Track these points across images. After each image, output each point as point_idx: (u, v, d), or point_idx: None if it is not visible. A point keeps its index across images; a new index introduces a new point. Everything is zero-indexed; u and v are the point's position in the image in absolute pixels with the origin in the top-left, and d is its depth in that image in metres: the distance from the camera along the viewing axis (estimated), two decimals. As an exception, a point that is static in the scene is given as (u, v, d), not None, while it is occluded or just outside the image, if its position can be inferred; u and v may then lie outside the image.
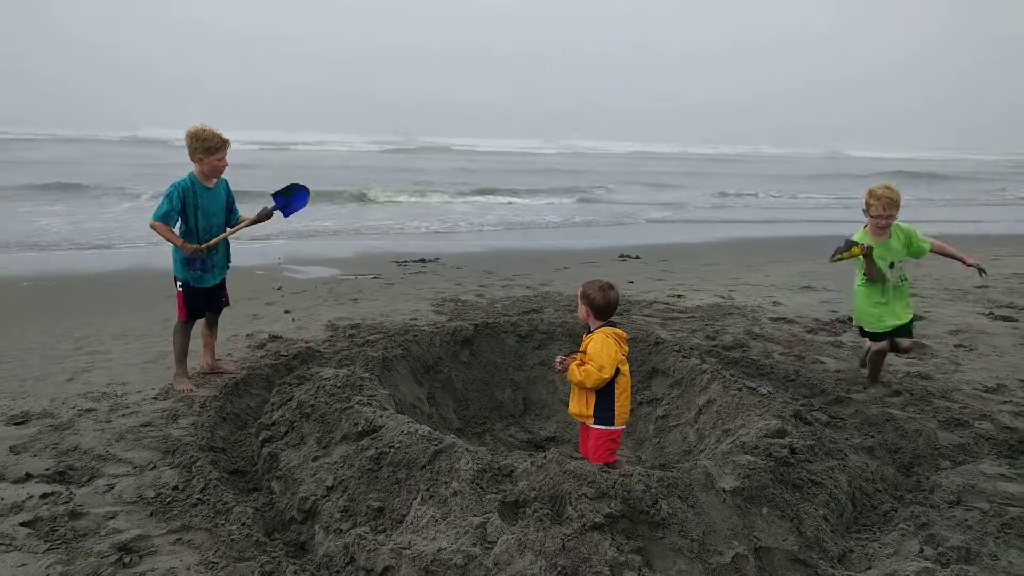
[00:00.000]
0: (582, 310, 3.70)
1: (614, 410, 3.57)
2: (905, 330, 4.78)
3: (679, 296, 8.09)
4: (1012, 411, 4.49)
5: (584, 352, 3.61)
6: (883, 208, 4.58)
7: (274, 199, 4.95)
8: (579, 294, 3.71)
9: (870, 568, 2.85)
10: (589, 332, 3.70)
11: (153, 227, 4.57)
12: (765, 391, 4.13)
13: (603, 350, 3.50)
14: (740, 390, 4.08)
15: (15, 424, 3.97)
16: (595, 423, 3.59)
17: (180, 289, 4.76)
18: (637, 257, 11.88)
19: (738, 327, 6.39)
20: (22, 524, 2.90)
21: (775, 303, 7.70)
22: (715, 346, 5.63)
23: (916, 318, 6.41)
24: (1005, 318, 7.09)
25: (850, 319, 6.82)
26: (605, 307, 3.63)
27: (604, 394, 3.57)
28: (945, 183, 36.66)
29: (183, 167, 4.96)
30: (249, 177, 20.63)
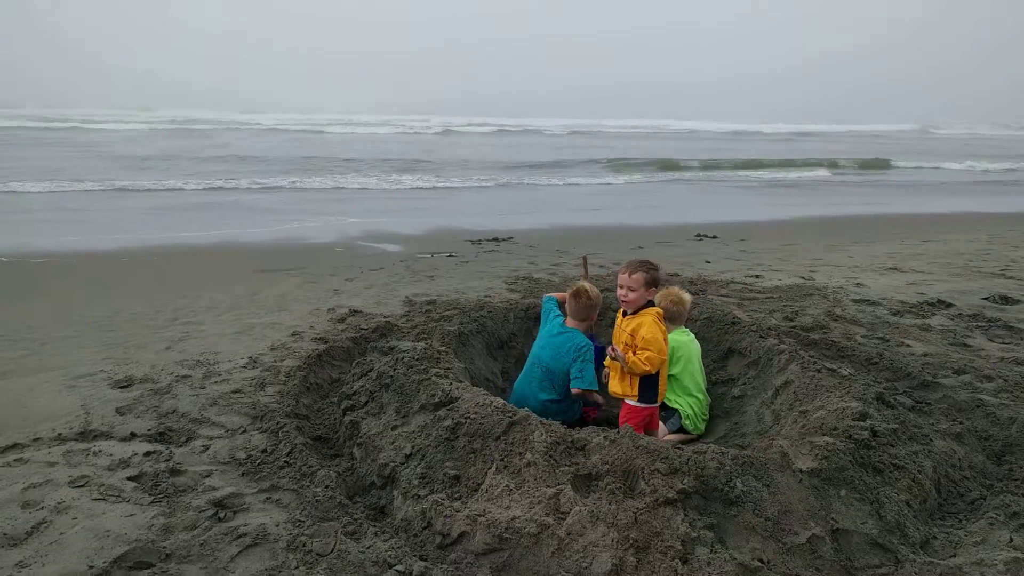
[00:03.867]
0: (642, 295, 3.73)
1: (657, 388, 3.65)
2: None
3: (757, 276, 7.90)
4: (1118, 400, 4.23)
5: (632, 335, 3.67)
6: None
7: None
8: (642, 280, 3.74)
9: (954, 556, 2.77)
10: (627, 315, 3.77)
11: None
12: (846, 373, 4.02)
13: (658, 334, 3.57)
14: (819, 371, 3.99)
15: (120, 388, 4.26)
16: (638, 401, 3.68)
17: None
18: (715, 236, 11.66)
19: (818, 308, 6.21)
20: (129, 478, 3.12)
21: (858, 284, 7.44)
22: (793, 327, 5.49)
23: (1009, 300, 6.11)
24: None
25: (939, 301, 6.55)
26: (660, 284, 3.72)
27: (646, 375, 3.65)
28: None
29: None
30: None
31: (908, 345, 5.22)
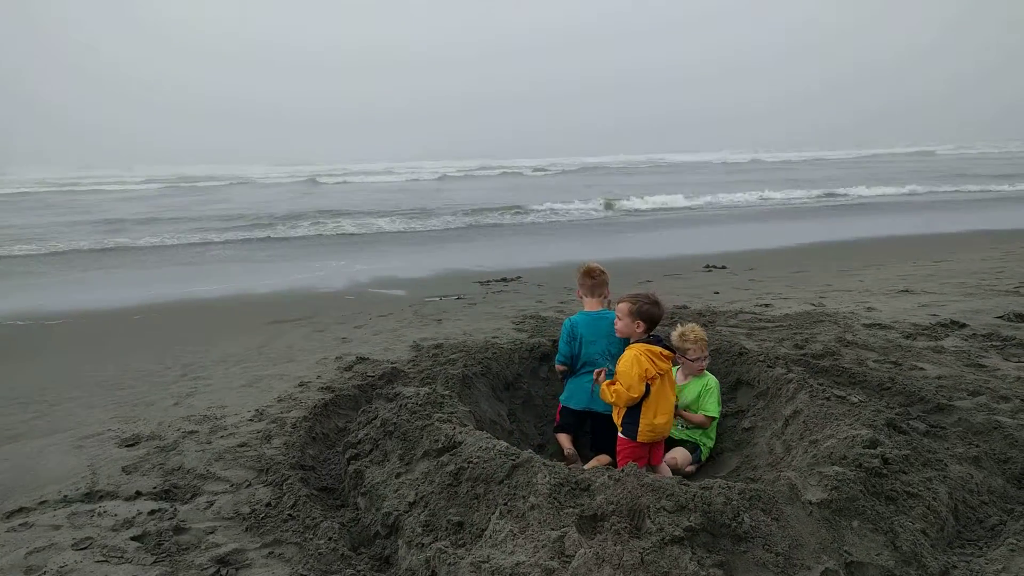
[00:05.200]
0: (628, 325, 3.75)
1: (638, 425, 3.62)
2: None
3: (766, 305, 7.84)
4: None
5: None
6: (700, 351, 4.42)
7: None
8: (626, 311, 3.76)
9: (975, 585, 2.68)
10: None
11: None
12: (856, 399, 3.95)
13: (632, 369, 3.56)
14: (828, 399, 3.92)
15: (127, 446, 4.27)
16: (621, 433, 3.68)
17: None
18: (723, 267, 11.64)
19: (829, 335, 6.14)
20: (132, 538, 3.11)
21: (869, 308, 7.36)
22: (804, 355, 5.42)
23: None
24: None
25: (952, 322, 6.46)
26: (661, 317, 3.71)
27: (632, 409, 3.64)
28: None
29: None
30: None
31: (921, 368, 5.14)
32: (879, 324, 6.56)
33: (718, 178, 40.03)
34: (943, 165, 48.35)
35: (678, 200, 25.79)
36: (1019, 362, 5.23)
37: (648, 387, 3.60)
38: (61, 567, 2.86)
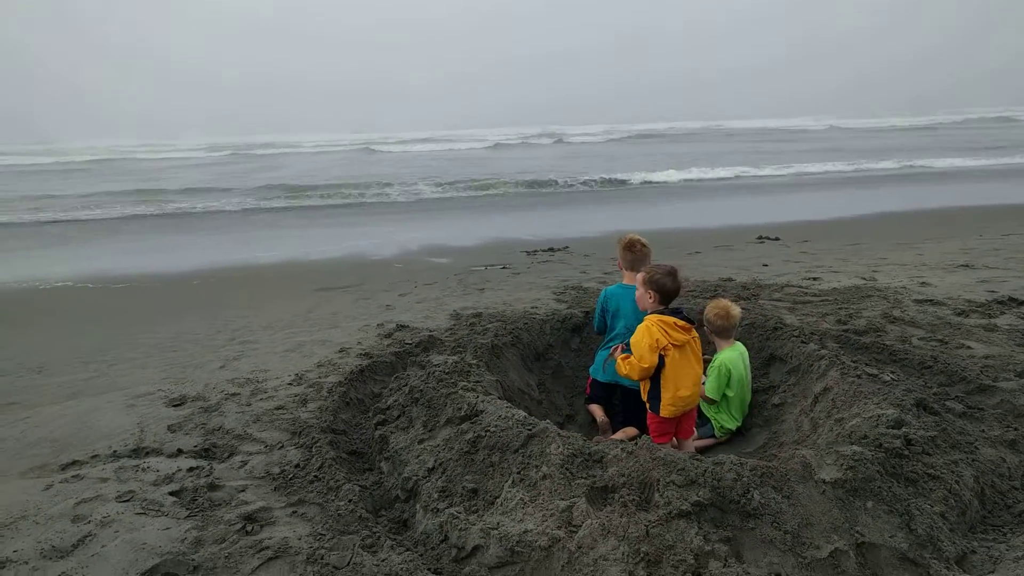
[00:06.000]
0: (643, 296, 3.75)
1: (660, 399, 3.60)
2: None
3: (814, 279, 7.64)
4: None
5: None
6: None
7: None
8: (642, 280, 3.75)
9: (993, 572, 2.62)
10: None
11: None
12: (888, 378, 3.86)
13: (643, 339, 3.54)
14: (859, 377, 3.84)
15: (174, 406, 4.50)
16: (649, 408, 3.67)
17: None
18: (776, 238, 11.34)
19: (875, 310, 5.96)
20: (170, 493, 3.30)
21: (923, 284, 7.09)
22: (845, 330, 5.29)
23: None
24: None
25: (1011, 299, 6.18)
26: (675, 291, 3.68)
27: (654, 383, 3.63)
28: None
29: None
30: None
31: (969, 347, 4.95)
32: (931, 300, 6.33)
33: (787, 147, 38.68)
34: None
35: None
36: (1075, 343, 4.99)
37: (663, 359, 3.59)
38: (104, 517, 3.07)
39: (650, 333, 3.57)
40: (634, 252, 4.55)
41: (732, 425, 4.32)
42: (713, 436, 4.29)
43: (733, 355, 4.33)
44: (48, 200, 20.75)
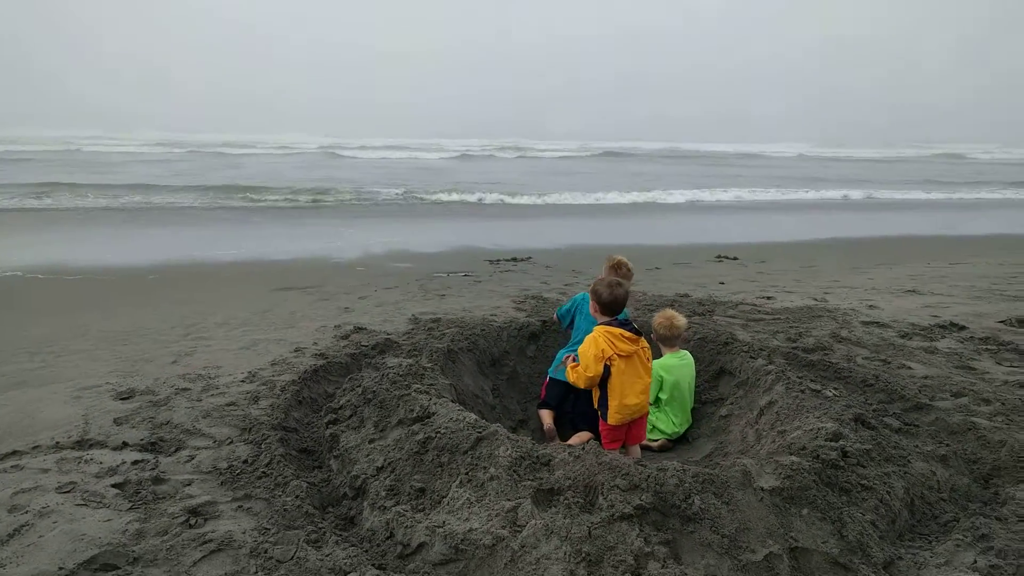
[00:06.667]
0: (592, 306, 3.86)
1: (607, 405, 3.72)
2: None
3: (768, 298, 7.84)
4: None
5: None
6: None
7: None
8: (591, 290, 3.88)
9: (917, 578, 2.73)
10: None
11: None
12: (831, 394, 3.99)
13: (589, 349, 3.64)
14: (803, 392, 3.96)
15: (121, 399, 4.43)
16: (600, 416, 3.78)
17: None
18: (735, 258, 11.60)
19: (824, 330, 6.14)
20: (113, 485, 3.25)
21: (871, 307, 7.32)
22: (794, 348, 5.44)
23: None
24: None
25: (952, 324, 6.42)
26: (612, 303, 3.77)
27: (602, 391, 3.74)
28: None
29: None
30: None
31: (909, 367, 5.14)
32: (877, 322, 6.54)
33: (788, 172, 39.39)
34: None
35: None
36: (1010, 367, 5.21)
37: (608, 368, 3.67)
38: (43, 508, 3.01)
39: (596, 343, 3.65)
40: (619, 273, 4.68)
41: (668, 429, 4.46)
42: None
43: (671, 362, 4.51)
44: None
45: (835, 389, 4.23)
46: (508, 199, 21.90)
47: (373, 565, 2.70)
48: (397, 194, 22.19)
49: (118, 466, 3.46)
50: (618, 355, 3.66)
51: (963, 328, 6.34)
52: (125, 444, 3.74)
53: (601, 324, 3.76)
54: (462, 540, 2.71)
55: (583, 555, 2.60)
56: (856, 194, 26.49)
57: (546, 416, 4.59)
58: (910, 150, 76.33)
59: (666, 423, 4.47)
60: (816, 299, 7.78)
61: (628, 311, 4.00)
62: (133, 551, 2.71)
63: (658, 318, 4.63)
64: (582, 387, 3.75)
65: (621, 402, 3.72)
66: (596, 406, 3.88)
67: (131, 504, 3.09)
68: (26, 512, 2.99)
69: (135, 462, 3.51)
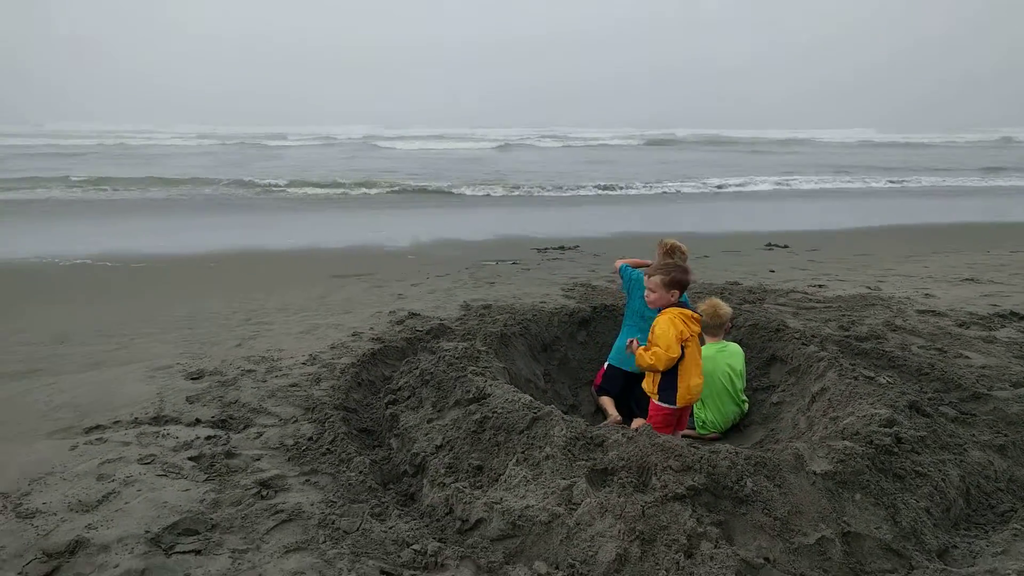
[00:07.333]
0: (663, 296, 3.86)
1: (676, 390, 3.72)
2: None
3: (819, 286, 7.76)
4: None
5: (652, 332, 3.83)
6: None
7: None
8: (659, 283, 3.86)
9: (972, 566, 2.74)
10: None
11: None
12: (884, 381, 3.98)
13: (669, 331, 3.67)
14: (856, 379, 3.96)
15: (192, 379, 4.66)
16: (658, 400, 3.77)
17: None
18: (785, 246, 11.45)
19: (877, 318, 6.07)
20: (189, 458, 3.45)
21: (927, 295, 7.19)
22: (847, 336, 5.40)
23: None
24: None
25: (1012, 313, 6.28)
26: (686, 286, 3.82)
27: (668, 374, 3.74)
28: None
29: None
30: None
31: (967, 357, 5.06)
32: (933, 311, 6.43)
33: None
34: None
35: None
36: (1072, 357, 5.09)
37: (683, 349, 3.72)
38: (127, 477, 3.22)
39: (675, 325, 3.69)
40: (675, 257, 4.70)
41: (708, 417, 4.46)
42: (694, 428, 4.45)
43: (708, 352, 4.50)
44: (56, 182, 20.88)
45: (889, 377, 4.21)
46: (550, 188, 21.92)
47: (434, 538, 2.83)
48: (440, 184, 22.40)
49: (192, 441, 3.67)
50: (691, 335, 3.74)
51: (1023, 318, 6.19)
52: (198, 421, 3.95)
53: (671, 306, 3.80)
54: (519, 516, 2.82)
55: (636, 533, 2.69)
56: (911, 180, 25.75)
57: (609, 405, 4.66)
58: (968, 135, 73.50)
59: (704, 411, 4.50)
60: (869, 287, 7.67)
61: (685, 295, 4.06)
62: (211, 518, 2.89)
63: (703, 306, 4.64)
64: (661, 368, 3.77)
65: (690, 383, 3.77)
66: (654, 390, 3.90)
67: (207, 476, 3.28)
68: (112, 480, 3.20)
69: (208, 437, 3.71)
